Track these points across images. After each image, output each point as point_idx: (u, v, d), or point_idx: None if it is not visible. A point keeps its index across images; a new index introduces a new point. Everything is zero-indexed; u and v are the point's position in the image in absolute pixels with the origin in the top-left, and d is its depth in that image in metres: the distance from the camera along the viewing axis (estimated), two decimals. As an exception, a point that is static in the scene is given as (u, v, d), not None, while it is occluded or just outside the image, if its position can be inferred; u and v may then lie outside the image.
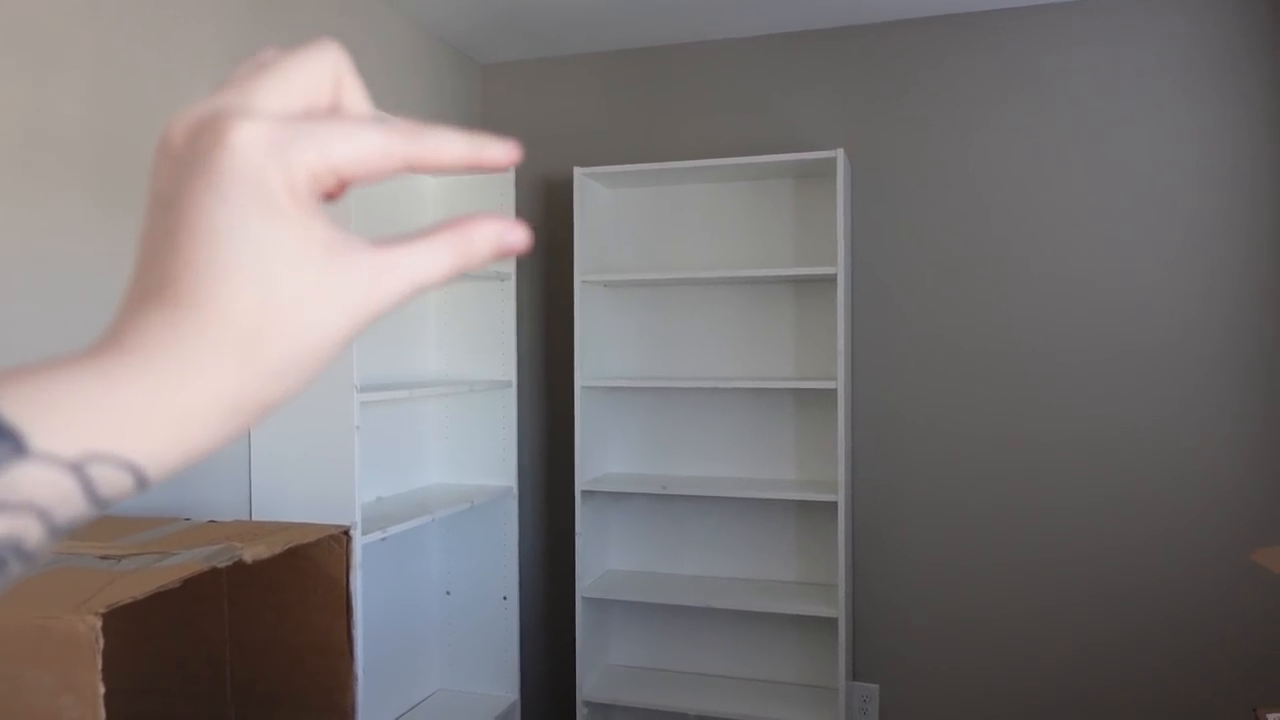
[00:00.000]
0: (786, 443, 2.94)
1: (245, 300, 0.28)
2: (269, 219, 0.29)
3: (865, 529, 2.91)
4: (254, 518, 2.19)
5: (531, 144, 3.22)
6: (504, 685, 2.85)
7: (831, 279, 2.83)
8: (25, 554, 0.26)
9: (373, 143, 0.31)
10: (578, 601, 2.84)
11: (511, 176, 2.79)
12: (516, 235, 0.33)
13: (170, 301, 0.28)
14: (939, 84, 2.83)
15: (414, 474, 2.80)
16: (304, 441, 2.14)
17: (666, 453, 3.06)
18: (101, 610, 1.04)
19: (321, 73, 0.32)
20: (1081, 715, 2.74)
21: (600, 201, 3.01)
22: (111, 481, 0.27)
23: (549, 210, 3.20)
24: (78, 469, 0.26)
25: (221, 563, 1.29)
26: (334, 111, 0.33)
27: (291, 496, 2.15)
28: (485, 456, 2.86)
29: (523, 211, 3.21)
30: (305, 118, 0.30)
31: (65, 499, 0.26)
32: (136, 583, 1.15)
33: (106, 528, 1.49)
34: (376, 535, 2.14)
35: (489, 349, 2.85)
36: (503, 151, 0.34)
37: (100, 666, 1.01)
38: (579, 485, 2.82)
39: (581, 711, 2.84)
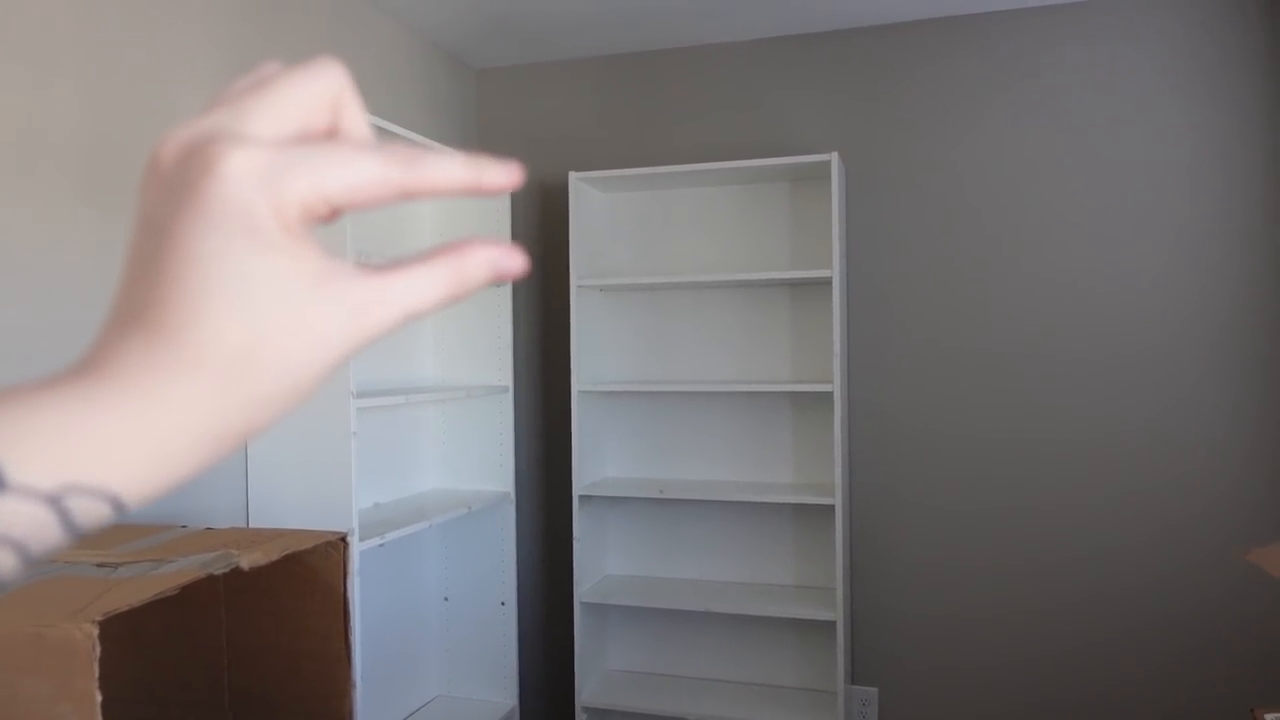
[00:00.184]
0: (783, 446, 2.94)
1: (229, 330, 0.28)
2: (257, 249, 0.28)
3: (863, 532, 2.91)
4: (251, 524, 2.19)
5: (526, 149, 3.22)
6: (502, 691, 2.84)
7: (827, 282, 2.84)
8: None
9: (369, 172, 0.30)
10: (576, 606, 2.84)
11: (507, 181, 2.79)
12: (512, 261, 0.32)
13: (153, 328, 0.28)
14: (933, 87, 2.84)
15: (411, 480, 2.79)
16: (301, 448, 2.14)
17: (663, 457, 3.06)
18: (98, 618, 1.03)
19: (320, 93, 0.31)
20: (1080, 716, 2.74)
21: (595, 206, 3.01)
22: (89, 512, 0.27)
23: (544, 215, 3.20)
24: (55, 501, 0.26)
25: (219, 570, 1.28)
26: (331, 135, 0.32)
27: (288, 503, 2.15)
28: (482, 462, 2.86)
29: (518, 216, 3.22)
30: (299, 144, 0.30)
31: (42, 530, 0.26)
32: (133, 590, 1.15)
33: (103, 535, 1.49)
34: (374, 541, 2.13)
35: (485, 354, 2.85)
36: (503, 174, 0.33)
37: (97, 674, 1.00)
38: (576, 490, 2.82)
39: (580, 717, 2.84)
